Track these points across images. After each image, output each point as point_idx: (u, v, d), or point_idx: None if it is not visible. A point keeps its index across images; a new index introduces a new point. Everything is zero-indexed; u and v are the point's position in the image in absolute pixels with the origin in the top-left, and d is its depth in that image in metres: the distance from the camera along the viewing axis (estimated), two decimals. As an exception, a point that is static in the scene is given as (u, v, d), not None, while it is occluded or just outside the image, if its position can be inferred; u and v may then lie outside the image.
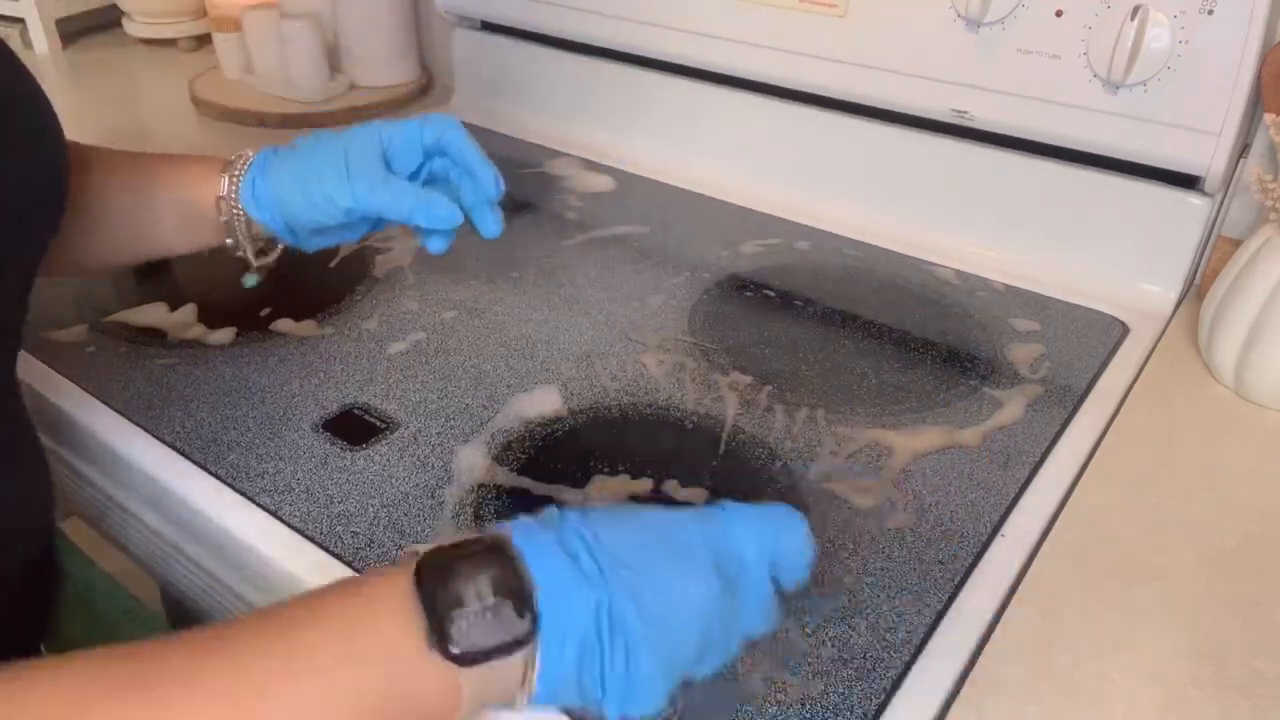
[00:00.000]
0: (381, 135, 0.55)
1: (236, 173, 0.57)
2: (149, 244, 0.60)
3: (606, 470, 0.55)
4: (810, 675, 0.44)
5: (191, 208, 0.57)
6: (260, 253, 0.60)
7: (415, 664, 0.33)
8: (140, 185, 0.58)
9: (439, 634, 0.33)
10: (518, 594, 0.34)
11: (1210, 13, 0.65)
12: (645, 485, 0.54)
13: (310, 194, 0.54)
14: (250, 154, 0.57)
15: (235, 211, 0.57)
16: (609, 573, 0.35)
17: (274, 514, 0.52)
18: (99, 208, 0.57)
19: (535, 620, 0.34)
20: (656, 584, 0.35)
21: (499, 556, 0.35)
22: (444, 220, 0.54)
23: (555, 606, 0.34)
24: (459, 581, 0.34)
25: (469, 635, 0.33)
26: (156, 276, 0.76)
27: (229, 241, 0.58)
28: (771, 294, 0.75)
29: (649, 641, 0.35)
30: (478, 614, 0.33)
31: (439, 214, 0.54)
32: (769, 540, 0.38)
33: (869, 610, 0.47)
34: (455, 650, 0.33)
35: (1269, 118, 0.64)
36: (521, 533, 0.36)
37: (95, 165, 0.57)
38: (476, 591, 0.34)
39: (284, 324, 0.69)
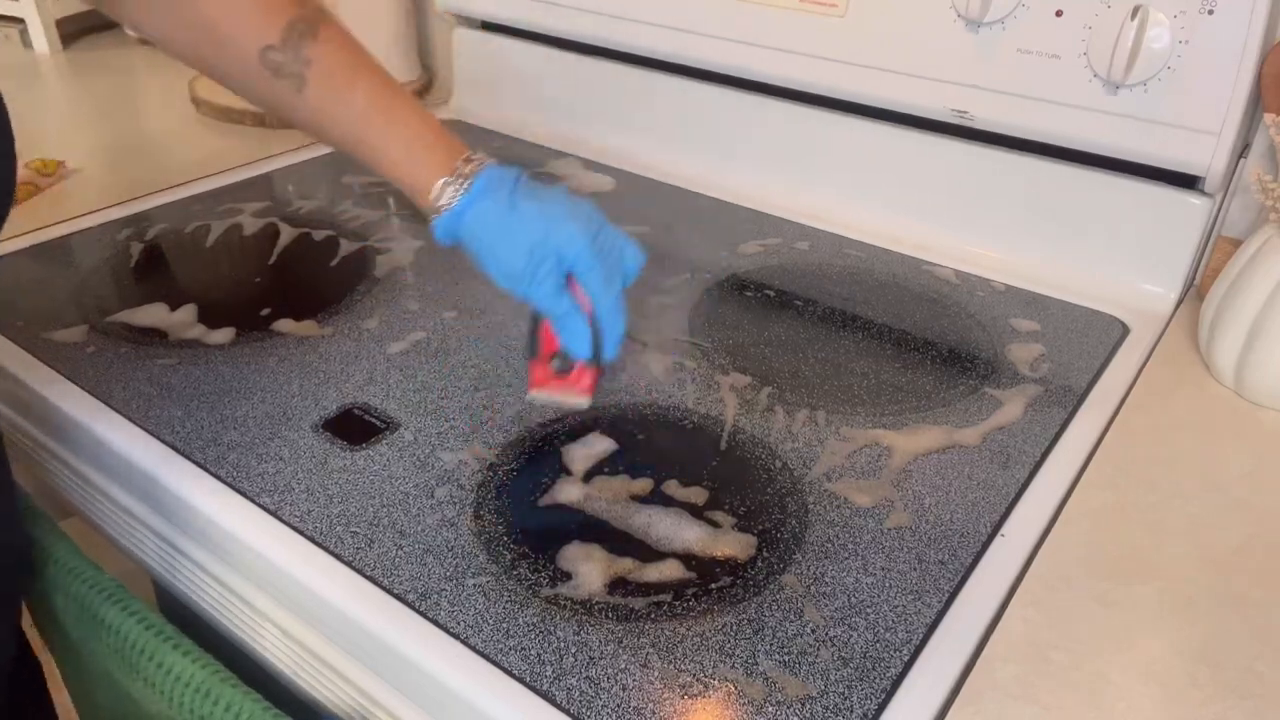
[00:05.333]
0: (571, 251, 0.56)
1: (453, 194, 0.57)
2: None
3: (607, 470, 0.55)
4: (810, 675, 0.44)
5: (398, 180, 0.59)
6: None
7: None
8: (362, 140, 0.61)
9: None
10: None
11: (1210, 13, 0.65)
12: (645, 485, 0.54)
13: (491, 264, 0.57)
14: (480, 168, 0.58)
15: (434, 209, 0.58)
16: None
17: (274, 514, 0.52)
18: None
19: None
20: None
21: None
22: (576, 346, 0.58)
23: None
24: None
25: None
26: (156, 276, 0.76)
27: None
28: (771, 294, 0.75)
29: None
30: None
31: (577, 339, 0.58)
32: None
33: (869, 610, 0.47)
34: None
35: (1269, 118, 0.64)
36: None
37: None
38: None
39: (284, 324, 0.69)
